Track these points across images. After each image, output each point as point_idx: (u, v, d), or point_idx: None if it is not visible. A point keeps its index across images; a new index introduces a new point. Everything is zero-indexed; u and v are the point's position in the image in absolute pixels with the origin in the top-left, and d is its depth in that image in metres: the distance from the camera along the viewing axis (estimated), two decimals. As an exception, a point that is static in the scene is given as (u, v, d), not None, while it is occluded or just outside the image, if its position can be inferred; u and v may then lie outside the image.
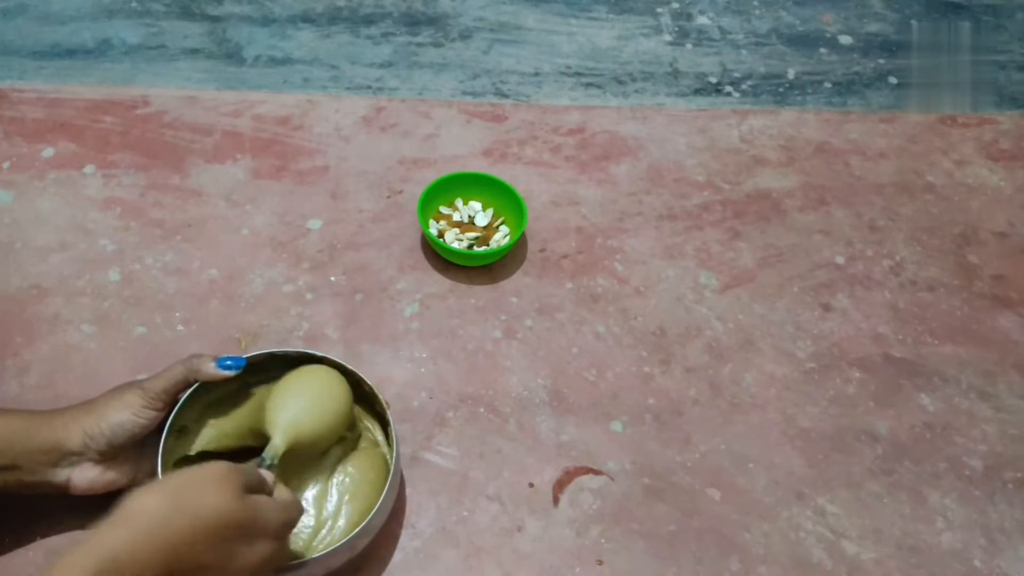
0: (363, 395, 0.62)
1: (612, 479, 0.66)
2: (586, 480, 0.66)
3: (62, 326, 0.71)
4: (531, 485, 0.65)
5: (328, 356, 0.60)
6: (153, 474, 0.56)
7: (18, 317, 0.71)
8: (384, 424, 0.62)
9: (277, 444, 0.53)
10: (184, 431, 0.59)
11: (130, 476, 0.56)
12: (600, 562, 0.61)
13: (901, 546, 0.64)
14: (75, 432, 0.53)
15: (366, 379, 0.60)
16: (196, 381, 0.56)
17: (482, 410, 0.69)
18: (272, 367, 0.61)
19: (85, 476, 0.54)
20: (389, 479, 0.56)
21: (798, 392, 0.73)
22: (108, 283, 0.75)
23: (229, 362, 0.56)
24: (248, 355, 0.58)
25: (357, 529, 0.53)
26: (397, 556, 0.60)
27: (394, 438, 0.58)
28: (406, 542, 0.61)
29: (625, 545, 0.62)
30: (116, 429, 0.53)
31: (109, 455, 0.55)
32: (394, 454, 0.57)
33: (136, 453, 0.57)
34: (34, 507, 0.59)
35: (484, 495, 0.64)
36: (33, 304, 0.72)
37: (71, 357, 0.69)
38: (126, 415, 0.54)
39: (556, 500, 0.64)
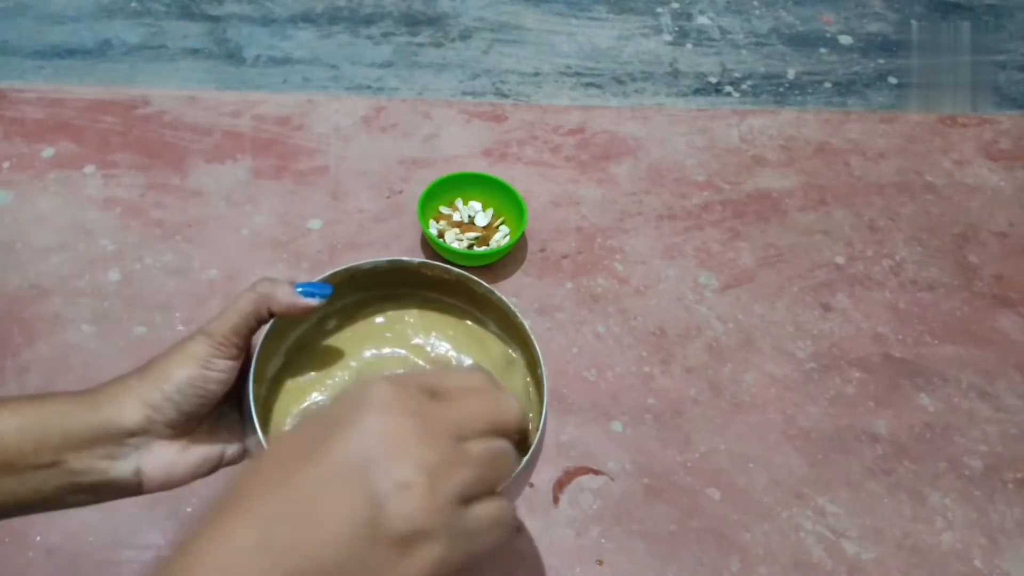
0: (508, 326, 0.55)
1: (612, 479, 0.66)
2: (586, 480, 0.66)
3: (62, 326, 0.71)
4: (531, 485, 0.65)
5: (449, 266, 0.49)
6: (249, 440, 0.44)
7: (18, 317, 0.71)
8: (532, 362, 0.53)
9: None
10: (276, 381, 0.47)
11: (217, 455, 0.44)
12: (600, 562, 0.61)
13: (901, 546, 0.64)
14: (130, 405, 0.40)
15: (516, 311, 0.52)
16: (271, 315, 0.43)
17: (482, 410, 0.69)
18: (347, 291, 0.50)
19: (160, 461, 0.41)
20: (545, 406, 0.48)
21: (798, 392, 0.73)
22: (108, 283, 0.75)
23: (312, 288, 0.43)
24: (327, 275, 0.47)
25: (532, 451, 0.43)
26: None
27: (540, 361, 0.51)
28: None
29: (625, 545, 0.62)
30: (185, 390, 0.41)
31: (182, 428, 0.42)
32: (545, 387, 0.50)
33: (214, 422, 0.44)
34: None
35: (484, 495, 0.64)
36: (33, 304, 0.72)
37: (71, 357, 0.69)
38: (194, 370, 0.41)
39: (556, 500, 0.64)
